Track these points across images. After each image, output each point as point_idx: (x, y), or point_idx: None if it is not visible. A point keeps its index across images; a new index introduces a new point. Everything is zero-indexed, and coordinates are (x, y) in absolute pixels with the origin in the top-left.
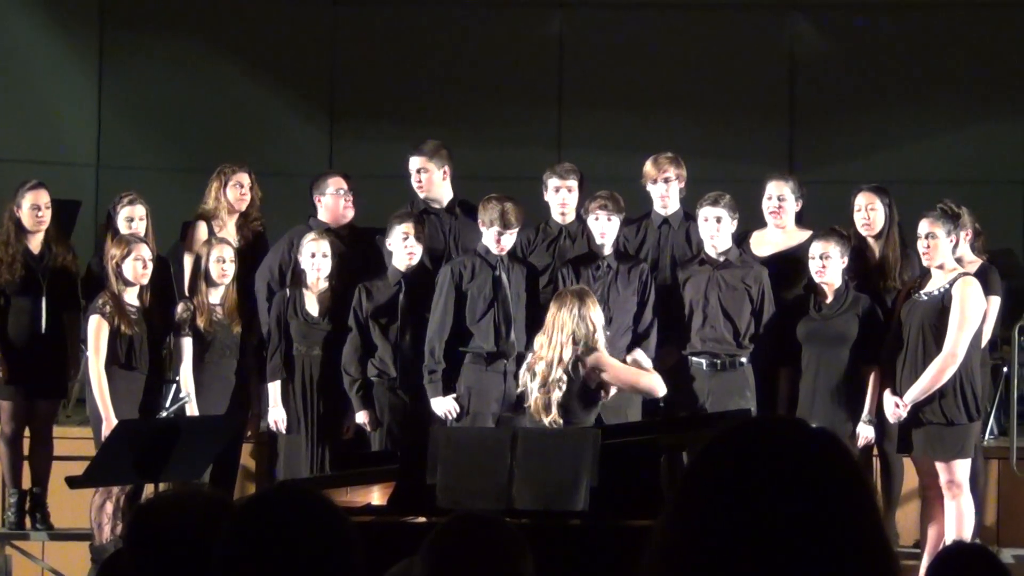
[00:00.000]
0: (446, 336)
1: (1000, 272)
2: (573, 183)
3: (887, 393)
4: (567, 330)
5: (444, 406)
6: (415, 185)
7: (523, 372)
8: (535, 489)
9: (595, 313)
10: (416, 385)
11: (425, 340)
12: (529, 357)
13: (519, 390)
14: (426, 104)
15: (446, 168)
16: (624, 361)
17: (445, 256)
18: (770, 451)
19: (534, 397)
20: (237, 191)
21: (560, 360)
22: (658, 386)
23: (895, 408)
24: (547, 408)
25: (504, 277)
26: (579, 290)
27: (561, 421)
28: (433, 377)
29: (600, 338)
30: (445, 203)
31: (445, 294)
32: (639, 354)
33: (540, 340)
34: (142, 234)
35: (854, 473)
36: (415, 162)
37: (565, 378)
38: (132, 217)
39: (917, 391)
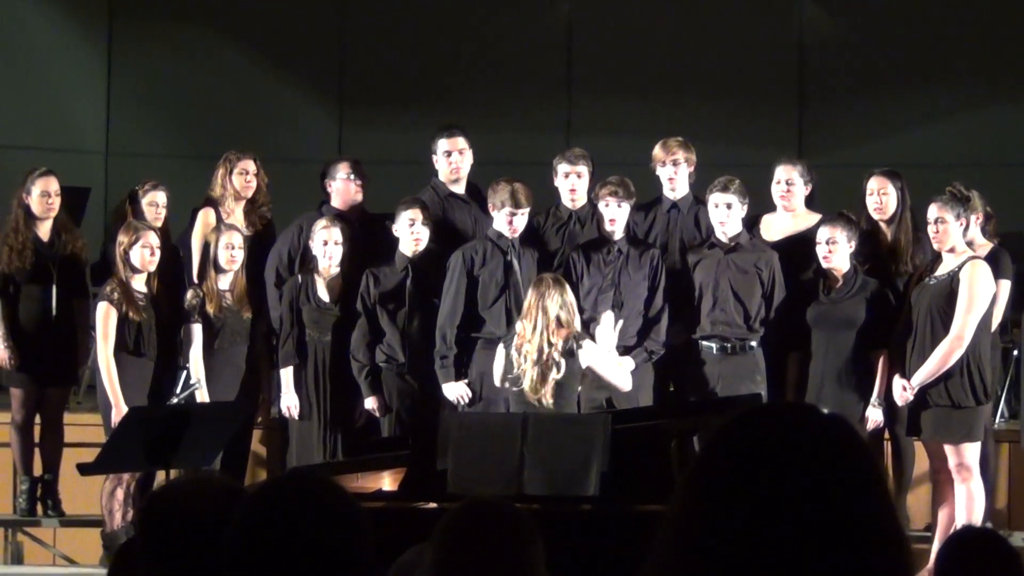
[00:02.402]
0: (457, 321)
1: (1011, 255)
2: (583, 169)
3: (896, 376)
4: (552, 315)
5: (456, 391)
6: (448, 166)
7: (513, 355)
8: (546, 474)
9: (572, 298)
10: (425, 370)
11: (434, 326)
12: (515, 340)
13: (514, 372)
14: (435, 90)
15: (471, 152)
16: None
17: None
18: (781, 437)
19: (528, 378)
20: (243, 178)
21: (551, 344)
22: (624, 383)
23: (903, 391)
24: (543, 388)
25: (516, 263)
26: (556, 277)
27: (552, 401)
28: (445, 362)
29: (577, 321)
30: (463, 189)
31: (456, 279)
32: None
33: (523, 324)
34: (161, 220)
35: (865, 458)
36: (453, 143)
37: (563, 362)
38: (155, 203)
39: (924, 374)
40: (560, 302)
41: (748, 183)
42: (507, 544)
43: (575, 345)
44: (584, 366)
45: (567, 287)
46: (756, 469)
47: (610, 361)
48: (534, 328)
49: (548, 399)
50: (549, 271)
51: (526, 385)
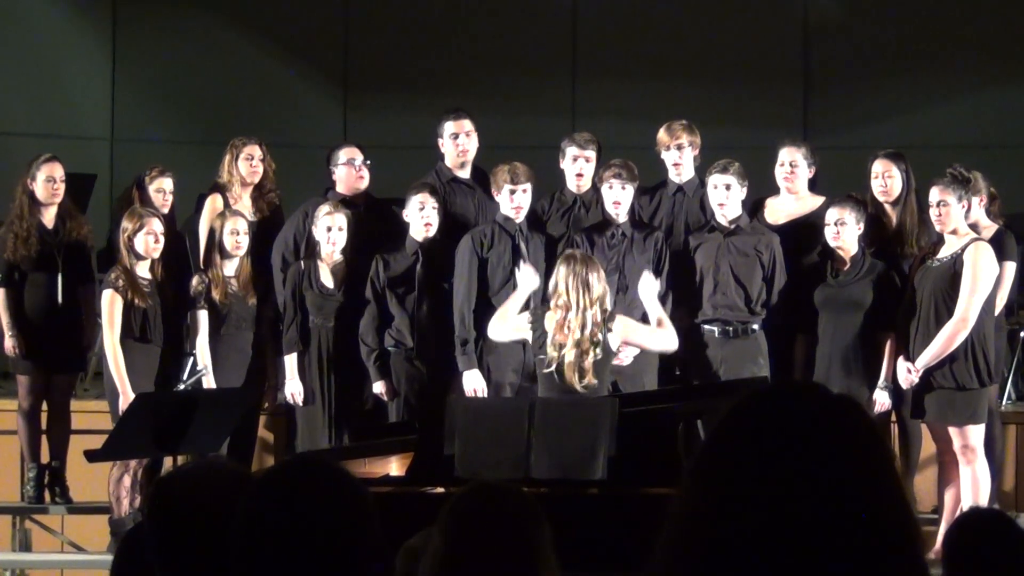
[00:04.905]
0: (474, 305)
1: (1016, 237)
2: (591, 153)
3: (900, 359)
4: (596, 292)
5: (475, 382)
6: (455, 148)
7: (552, 338)
8: (553, 458)
9: (603, 275)
10: (433, 355)
11: (443, 310)
12: (549, 322)
13: (550, 356)
14: (439, 74)
15: (477, 135)
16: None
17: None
18: (790, 417)
19: (568, 362)
20: (248, 163)
21: (594, 323)
22: (670, 344)
23: (907, 374)
24: (582, 372)
25: (523, 246)
26: (584, 254)
27: (596, 383)
28: (466, 348)
29: (610, 299)
30: (469, 174)
31: (468, 263)
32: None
33: (559, 303)
34: (168, 206)
35: (874, 438)
36: (460, 125)
37: (600, 340)
38: (162, 189)
39: (928, 356)
40: (598, 277)
41: (753, 166)
42: (514, 528)
43: (607, 328)
44: (617, 344)
45: (599, 264)
46: (764, 449)
47: (643, 328)
48: (577, 307)
49: (590, 381)
50: (554, 256)
51: (568, 363)
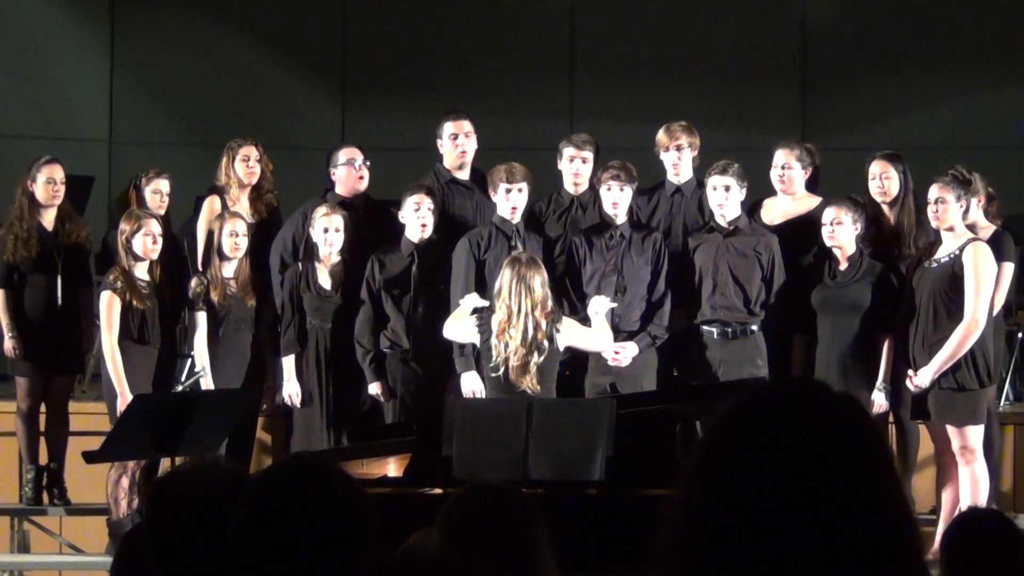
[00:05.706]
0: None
1: (1014, 238)
2: (588, 154)
3: (907, 369)
4: (538, 294)
5: (473, 384)
6: (455, 149)
7: (495, 340)
8: (551, 459)
9: (547, 278)
10: (429, 356)
11: (438, 312)
12: (495, 324)
13: (495, 358)
14: (438, 76)
15: (475, 136)
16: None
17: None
18: (788, 415)
19: (511, 364)
20: (245, 165)
21: (537, 327)
22: (603, 344)
23: (910, 379)
24: (526, 373)
25: (520, 247)
26: (530, 257)
27: (539, 388)
28: (464, 350)
29: (550, 300)
30: (468, 175)
31: (465, 265)
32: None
33: (503, 305)
34: (165, 208)
35: (873, 437)
36: (459, 126)
37: (546, 344)
38: (158, 191)
39: (941, 360)
40: (542, 281)
41: (752, 167)
42: (512, 528)
43: (555, 329)
44: (563, 347)
45: (543, 266)
46: (763, 447)
47: (585, 330)
48: (519, 310)
49: (533, 384)
50: (552, 257)
51: (513, 367)
